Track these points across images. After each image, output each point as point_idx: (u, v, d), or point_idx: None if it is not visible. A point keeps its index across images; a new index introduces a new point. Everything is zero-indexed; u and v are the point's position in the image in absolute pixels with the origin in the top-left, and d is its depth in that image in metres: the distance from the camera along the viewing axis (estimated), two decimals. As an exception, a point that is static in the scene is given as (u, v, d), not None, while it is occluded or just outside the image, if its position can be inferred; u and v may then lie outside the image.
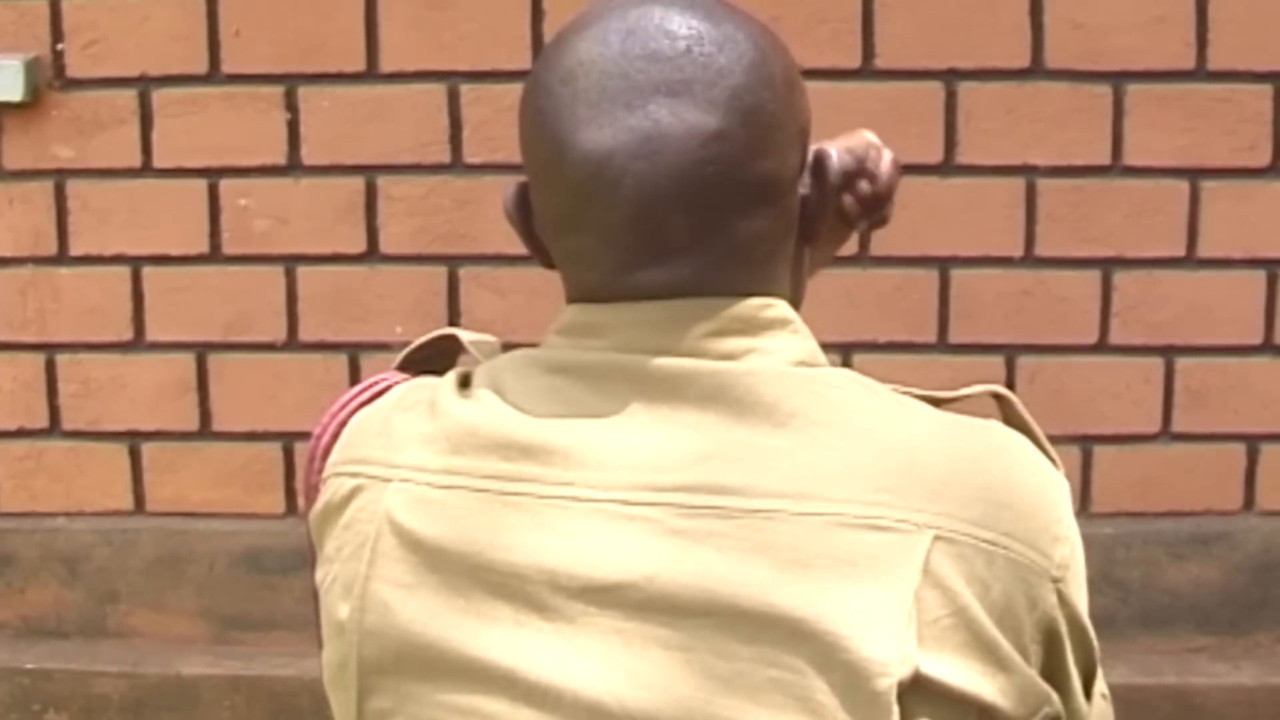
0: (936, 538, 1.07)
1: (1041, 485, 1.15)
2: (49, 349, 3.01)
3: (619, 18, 1.15)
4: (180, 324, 2.99)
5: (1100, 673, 1.22)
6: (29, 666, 2.99)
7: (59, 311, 2.99)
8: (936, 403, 1.18)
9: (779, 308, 1.16)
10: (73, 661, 2.99)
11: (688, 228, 1.13)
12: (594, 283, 1.16)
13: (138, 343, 3.00)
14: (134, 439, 3.03)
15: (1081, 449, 2.96)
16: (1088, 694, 1.20)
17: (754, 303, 1.15)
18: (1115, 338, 2.92)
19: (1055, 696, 1.13)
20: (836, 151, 1.20)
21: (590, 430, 1.11)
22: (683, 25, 1.14)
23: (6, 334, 3.01)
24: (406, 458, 1.15)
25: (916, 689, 1.05)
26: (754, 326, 1.14)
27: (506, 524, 1.11)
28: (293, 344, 2.97)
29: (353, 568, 1.15)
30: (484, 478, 1.12)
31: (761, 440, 1.09)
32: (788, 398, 1.11)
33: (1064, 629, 1.14)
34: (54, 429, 3.04)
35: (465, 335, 1.29)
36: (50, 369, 3.01)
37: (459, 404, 1.15)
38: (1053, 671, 1.14)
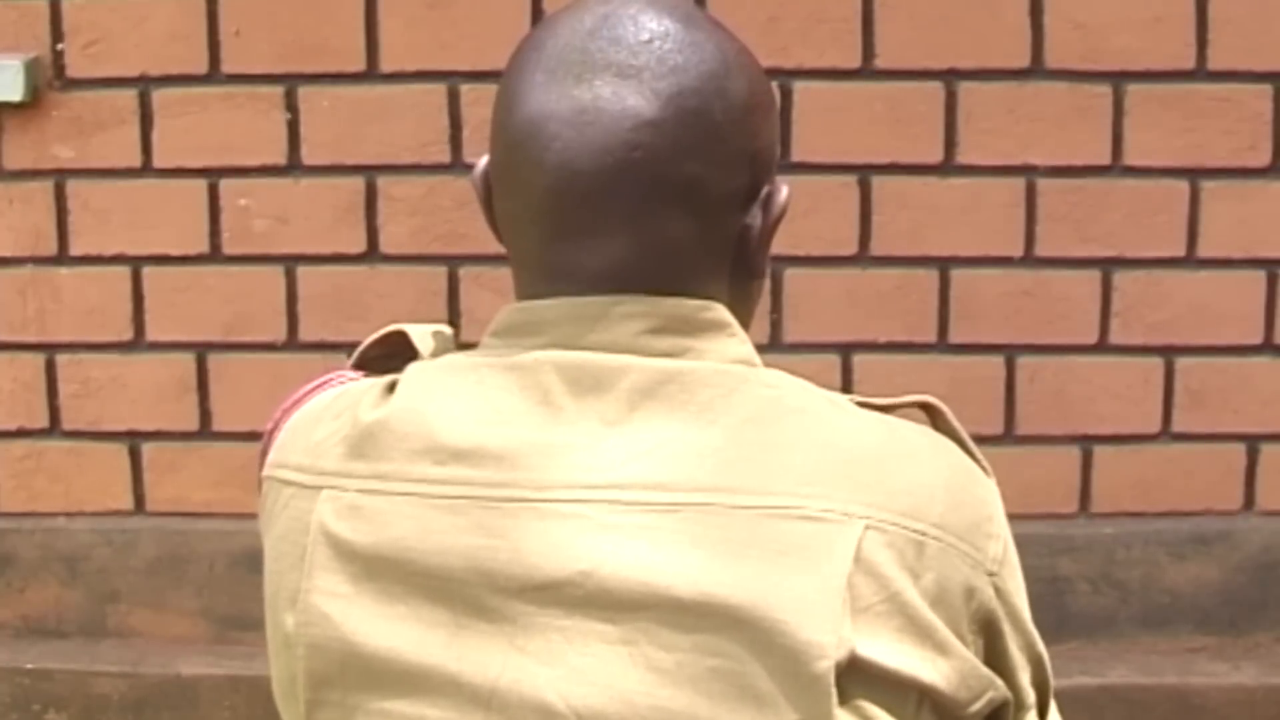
0: (867, 527, 1.09)
1: (971, 485, 1.16)
2: (49, 349, 3.01)
3: (602, 3, 1.18)
4: (180, 324, 2.99)
5: (1054, 705, 1.22)
6: (29, 666, 2.99)
7: (59, 311, 2.99)
8: (870, 410, 1.19)
9: (718, 310, 1.16)
10: (73, 661, 2.99)
11: (606, 208, 1.14)
12: (523, 254, 1.18)
13: (138, 343, 3.00)
14: (134, 439, 3.03)
15: (1081, 449, 2.96)
16: (1043, 715, 1.20)
17: (693, 304, 1.15)
18: (1115, 338, 2.93)
19: (1000, 682, 1.14)
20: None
21: (521, 431, 1.12)
22: (655, 20, 1.16)
23: (6, 334, 3.01)
24: (333, 465, 1.15)
25: (854, 672, 1.07)
26: (692, 327, 1.15)
27: (439, 528, 1.11)
28: (293, 344, 2.97)
29: (293, 580, 1.15)
30: (414, 482, 1.12)
31: (693, 436, 1.10)
32: (721, 396, 1.12)
33: (1005, 625, 1.15)
34: (54, 429, 3.03)
35: (414, 331, 1.28)
36: (50, 369, 3.01)
37: (385, 410, 1.15)
38: (996, 670, 1.15)
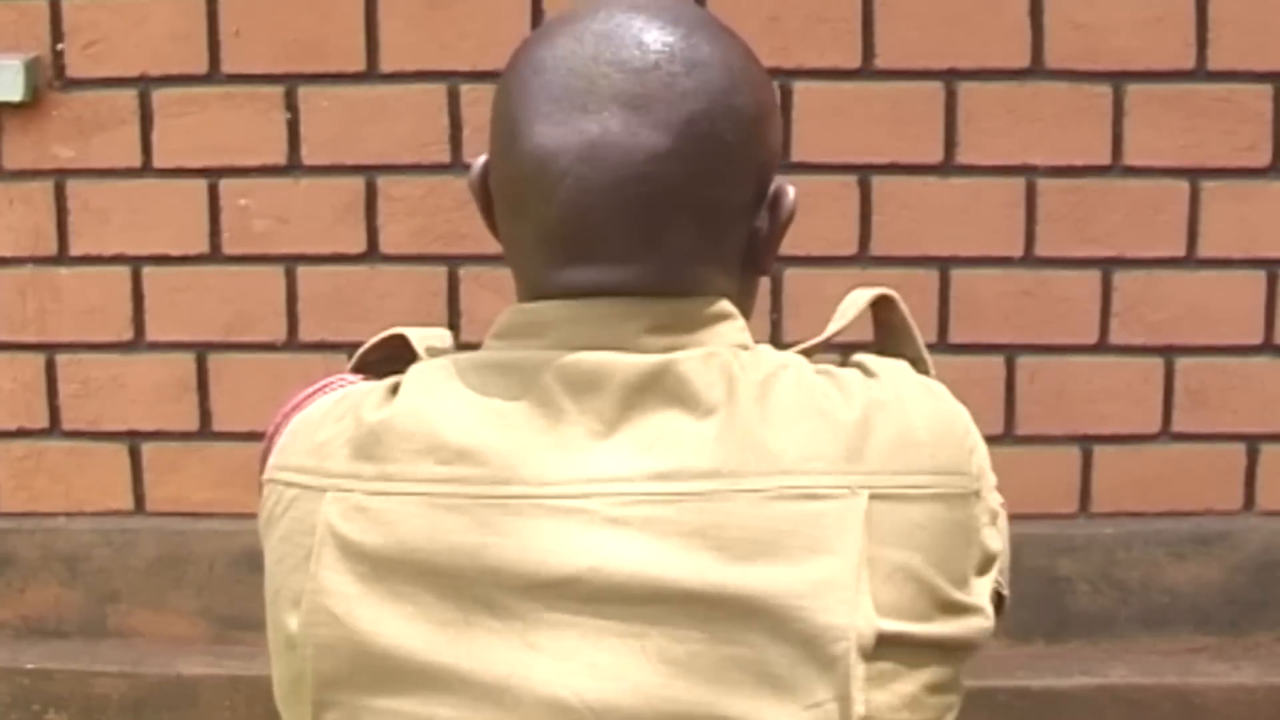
0: (872, 497, 1.10)
1: (940, 404, 1.18)
2: (49, 349, 3.01)
3: (602, 19, 1.16)
4: (180, 324, 2.99)
5: (993, 481, 1.23)
6: (29, 666, 2.99)
7: (59, 311, 2.99)
8: (832, 338, 1.22)
9: (720, 304, 1.17)
10: (73, 661, 2.99)
11: (619, 237, 1.14)
12: (530, 273, 1.18)
13: (138, 343, 3.00)
14: (134, 439, 3.03)
15: (1081, 449, 2.96)
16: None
17: (695, 300, 1.16)
18: (1115, 338, 2.93)
19: (989, 610, 1.17)
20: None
21: (524, 433, 1.12)
22: (658, 40, 1.15)
23: (6, 334, 3.01)
24: (339, 466, 1.15)
25: (876, 645, 1.08)
26: (692, 323, 1.15)
27: (445, 527, 1.11)
28: (293, 344, 2.97)
29: (297, 580, 1.15)
30: (419, 482, 1.12)
31: (691, 426, 1.11)
32: (713, 384, 1.12)
33: (986, 526, 1.17)
34: (54, 429, 3.03)
35: (414, 335, 1.29)
36: (50, 369, 3.01)
37: (389, 410, 1.15)
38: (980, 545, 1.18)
